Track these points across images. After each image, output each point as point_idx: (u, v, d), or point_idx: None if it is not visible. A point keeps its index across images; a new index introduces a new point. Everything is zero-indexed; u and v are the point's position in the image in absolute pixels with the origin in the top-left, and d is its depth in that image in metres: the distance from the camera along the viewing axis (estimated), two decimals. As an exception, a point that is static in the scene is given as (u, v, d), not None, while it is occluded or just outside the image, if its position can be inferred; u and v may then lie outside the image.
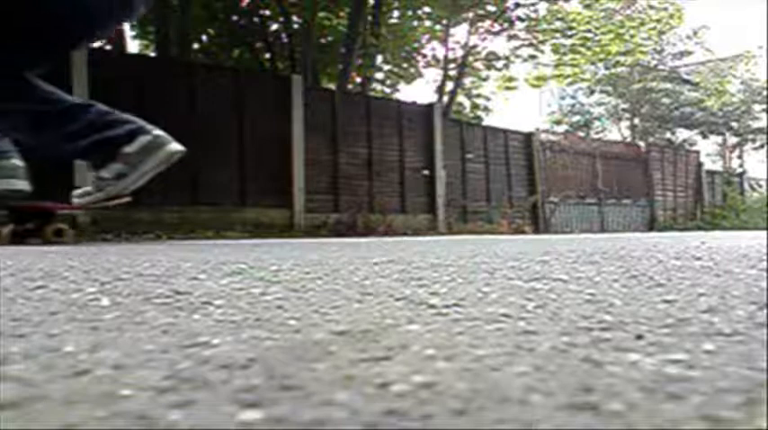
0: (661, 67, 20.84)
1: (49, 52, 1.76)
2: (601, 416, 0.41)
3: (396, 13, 12.57)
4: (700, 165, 16.39)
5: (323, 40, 11.85)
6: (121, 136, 1.72)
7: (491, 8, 12.24)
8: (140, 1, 1.74)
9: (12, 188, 1.45)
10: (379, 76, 13.27)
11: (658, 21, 16.66)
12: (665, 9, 17.02)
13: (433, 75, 13.64)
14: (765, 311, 0.83)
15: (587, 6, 14.05)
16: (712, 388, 0.48)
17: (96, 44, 9.83)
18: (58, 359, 0.60)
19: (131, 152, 1.71)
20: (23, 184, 1.47)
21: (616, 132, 21.44)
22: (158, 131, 1.74)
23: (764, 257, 1.72)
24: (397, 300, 0.98)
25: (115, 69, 7.02)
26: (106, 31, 1.82)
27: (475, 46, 13.05)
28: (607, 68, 18.49)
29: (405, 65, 13.35)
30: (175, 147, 1.72)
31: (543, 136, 12.78)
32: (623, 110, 21.28)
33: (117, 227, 6.50)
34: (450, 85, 12.78)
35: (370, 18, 11.28)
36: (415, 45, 13.07)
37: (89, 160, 1.76)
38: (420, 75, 13.63)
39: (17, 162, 1.50)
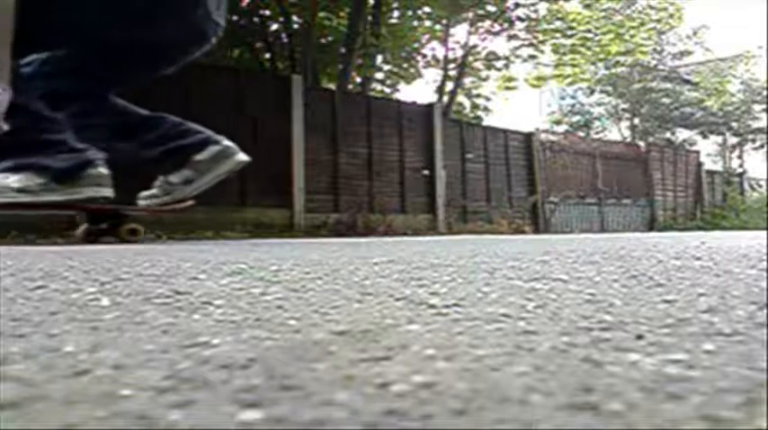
0: (661, 67, 20.83)
1: (135, 78, 1.94)
2: (601, 416, 0.41)
3: (396, 13, 12.57)
4: (700, 165, 16.39)
5: (323, 40, 11.84)
6: (193, 145, 1.86)
7: (491, 8, 12.24)
8: (213, 32, 1.86)
9: (99, 195, 1.56)
10: (379, 76, 13.27)
11: (658, 21, 16.66)
12: (665, 9, 17.02)
13: (433, 75, 13.65)
14: (765, 311, 0.83)
15: (587, 6, 14.04)
16: (712, 388, 0.48)
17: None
18: (58, 359, 0.60)
19: (202, 160, 1.85)
20: (109, 191, 1.58)
21: (616, 132, 21.44)
22: (227, 142, 1.88)
23: (764, 257, 1.72)
24: (397, 300, 0.98)
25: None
26: (181, 60, 1.94)
27: (475, 46, 13.05)
28: (607, 68, 18.48)
29: (405, 65, 13.35)
30: (242, 157, 1.86)
31: (543, 136, 12.78)
32: (623, 110, 21.27)
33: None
34: (450, 85, 12.78)
35: (370, 18, 11.28)
36: (415, 45, 13.07)
37: (162, 166, 1.88)
38: (420, 75, 13.63)
39: (103, 170, 1.60)
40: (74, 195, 1.53)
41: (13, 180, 1.52)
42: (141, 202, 1.84)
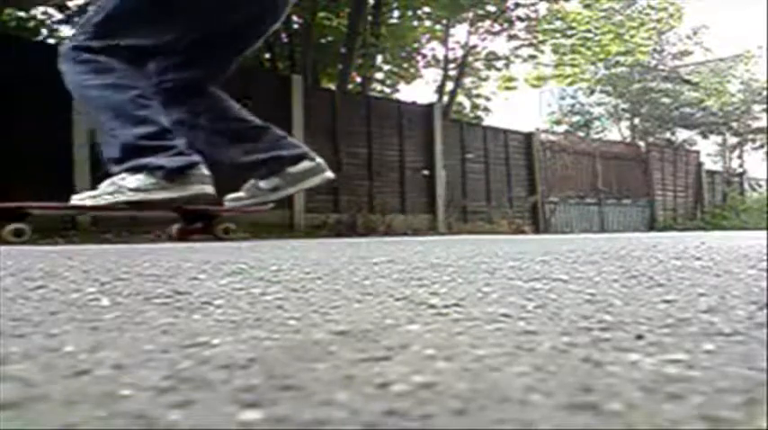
0: (661, 67, 20.83)
1: (229, 66, 2.06)
2: (601, 416, 0.41)
3: (396, 13, 12.56)
4: (700, 165, 16.39)
5: (323, 40, 11.84)
6: (290, 157, 2.00)
7: (491, 8, 12.24)
8: (283, 3, 1.99)
9: (205, 192, 1.66)
10: (379, 76, 13.27)
11: (658, 21, 16.66)
12: (665, 9, 17.02)
13: (433, 75, 13.63)
14: (765, 311, 0.83)
15: (587, 6, 14.04)
16: (712, 388, 0.48)
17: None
18: (58, 359, 0.60)
19: (294, 172, 1.99)
20: (211, 189, 1.67)
21: (616, 132, 21.43)
22: (319, 159, 2.02)
23: (764, 257, 1.72)
24: (397, 300, 0.98)
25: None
26: (261, 39, 2.06)
27: (475, 46, 13.05)
28: (607, 68, 18.47)
29: (405, 65, 13.35)
30: (329, 175, 2.01)
31: (543, 136, 12.78)
32: (623, 110, 21.27)
33: (120, 227, 6.50)
34: (450, 85, 12.78)
35: (370, 18, 11.28)
36: (415, 45, 13.07)
37: (256, 172, 2.01)
38: (420, 75, 13.64)
39: (205, 171, 1.70)
40: (183, 193, 1.67)
41: (130, 181, 1.67)
42: (228, 204, 1.95)
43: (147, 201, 1.63)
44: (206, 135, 1.96)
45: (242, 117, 2.03)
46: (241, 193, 2.07)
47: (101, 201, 1.68)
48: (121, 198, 1.66)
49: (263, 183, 1.96)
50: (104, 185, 1.72)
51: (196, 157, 1.77)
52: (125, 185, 1.66)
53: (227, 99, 2.04)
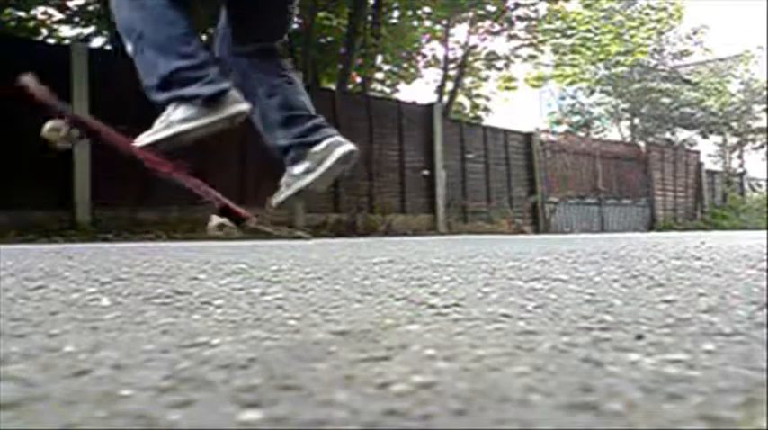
0: (661, 67, 20.83)
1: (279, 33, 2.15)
2: (601, 416, 0.41)
3: (396, 13, 12.56)
4: (700, 165, 16.39)
5: (323, 40, 11.84)
6: (316, 139, 2.05)
7: (491, 8, 12.23)
8: None
9: (241, 110, 1.81)
10: (379, 76, 13.26)
11: (658, 21, 16.65)
12: (665, 9, 17.02)
13: (433, 75, 13.60)
14: (765, 311, 0.83)
15: (587, 6, 14.04)
16: (712, 388, 0.48)
17: (96, 44, 9.84)
18: (58, 359, 0.60)
19: (318, 151, 2.04)
20: (246, 106, 1.90)
21: (616, 132, 21.43)
22: (340, 137, 2.07)
23: (764, 257, 1.72)
24: (397, 300, 0.98)
25: (115, 69, 7.01)
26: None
27: (475, 46, 13.04)
28: (607, 68, 18.47)
29: (405, 65, 13.34)
30: (350, 146, 2.05)
31: (543, 136, 12.78)
32: (623, 110, 21.27)
33: (123, 226, 6.51)
34: (450, 85, 12.77)
35: (370, 18, 11.28)
36: (415, 45, 13.06)
37: (285, 156, 2.10)
38: (420, 75, 13.63)
39: (236, 94, 1.85)
40: (222, 114, 1.83)
41: (176, 113, 1.84)
42: (274, 203, 2.04)
43: (196, 129, 1.81)
44: (259, 107, 2.10)
45: (297, 102, 2.10)
46: (282, 188, 2.15)
47: (159, 136, 1.85)
48: (173, 130, 1.83)
49: (295, 169, 2.03)
50: (156, 124, 1.87)
51: (226, 84, 1.86)
52: (173, 119, 1.83)
53: (293, 79, 2.14)
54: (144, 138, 1.88)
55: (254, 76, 2.08)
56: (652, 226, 13.89)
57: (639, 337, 0.68)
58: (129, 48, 1.93)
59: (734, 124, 21.87)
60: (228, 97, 1.84)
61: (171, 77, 1.85)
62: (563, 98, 22.25)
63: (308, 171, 2.05)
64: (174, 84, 1.84)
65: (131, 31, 1.96)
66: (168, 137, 1.82)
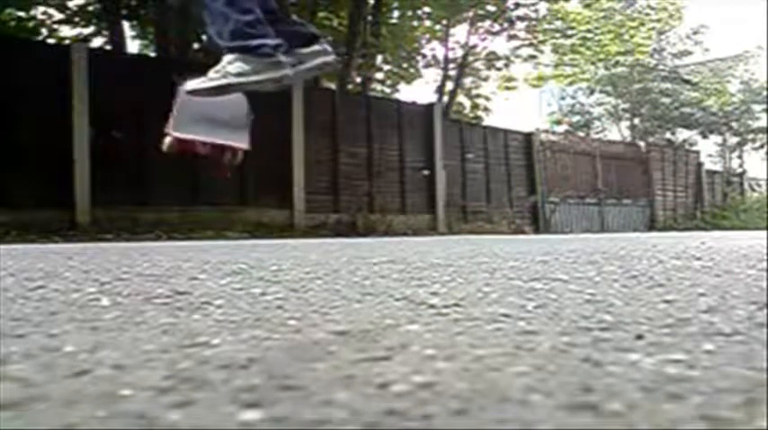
0: (661, 67, 20.83)
1: None
2: (601, 417, 0.41)
3: (396, 13, 12.56)
4: (700, 165, 16.39)
5: (323, 40, 11.82)
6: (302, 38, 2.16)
7: (491, 8, 12.23)
8: None
9: (286, 74, 1.97)
10: (379, 76, 13.26)
11: (658, 21, 16.66)
12: (665, 9, 17.02)
13: (433, 75, 13.59)
14: (765, 311, 0.83)
15: (587, 6, 14.04)
16: (712, 388, 0.48)
17: (96, 44, 9.84)
18: (58, 359, 0.60)
19: (303, 53, 2.14)
20: (291, 71, 2.06)
21: (616, 132, 21.43)
22: (327, 46, 2.19)
23: (764, 257, 1.72)
24: (397, 300, 0.98)
25: (115, 69, 7.02)
26: None
27: (475, 46, 13.04)
28: (607, 68, 18.48)
29: (405, 65, 13.34)
30: (332, 57, 2.15)
31: (543, 136, 12.78)
32: (623, 110, 21.27)
33: (123, 226, 6.51)
34: (450, 85, 12.77)
35: (370, 18, 11.28)
36: (415, 45, 13.06)
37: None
38: (420, 75, 13.62)
39: (284, 58, 2.02)
40: (271, 75, 2.03)
41: (232, 67, 2.01)
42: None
43: (247, 84, 1.99)
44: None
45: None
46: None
47: (213, 84, 2.02)
48: (227, 80, 2.00)
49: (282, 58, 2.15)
50: (211, 73, 2.03)
51: (280, 40, 2.04)
52: (230, 70, 2.00)
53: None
54: (198, 84, 2.07)
55: None
56: (652, 226, 13.89)
57: (639, 337, 0.68)
58: None
59: (734, 124, 21.87)
60: (280, 61, 2.01)
61: (238, 29, 2.02)
62: (563, 98, 22.26)
63: (293, 65, 2.29)
64: (242, 35, 2.01)
65: None
66: (221, 86, 2.01)
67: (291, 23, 2.33)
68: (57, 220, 6.34)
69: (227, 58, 2.04)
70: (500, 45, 13.97)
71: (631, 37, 15.02)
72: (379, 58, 12.53)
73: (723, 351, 0.61)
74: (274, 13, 2.35)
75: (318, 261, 1.77)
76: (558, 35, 13.61)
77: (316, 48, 2.25)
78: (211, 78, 2.03)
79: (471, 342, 0.66)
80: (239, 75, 2.00)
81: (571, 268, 1.50)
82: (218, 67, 2.04)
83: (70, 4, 9.94)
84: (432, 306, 0.91)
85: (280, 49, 2.02)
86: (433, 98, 12.04)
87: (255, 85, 2.00)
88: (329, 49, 2.27)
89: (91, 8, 9.97)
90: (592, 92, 20.70)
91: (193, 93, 2.00)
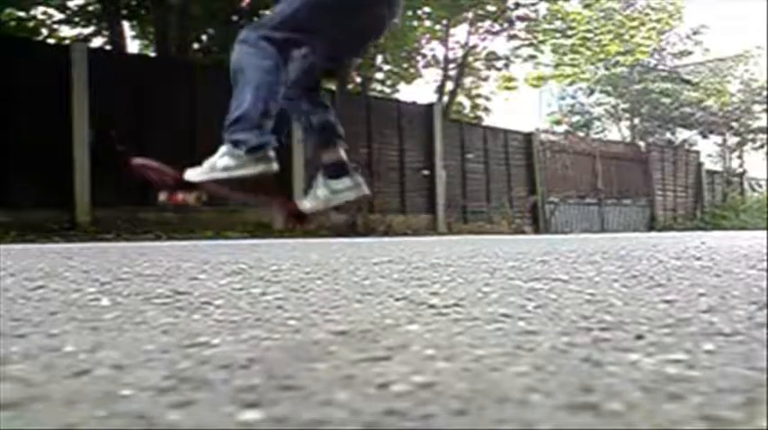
0: (661, 67, 20.83)
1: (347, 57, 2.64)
2: (601, 417, 0.41)
3: (396, 13, 12.53)
4: (700, 165, 16.39)
5: (323, 40, 11.81)
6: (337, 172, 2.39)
7: (491, 8, 12.23)
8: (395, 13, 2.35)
9: (271, 170, 2.10)
10: (379, 76, 13.25)
11: (658, 21, 16.65)
12: (665, 9, 17.02)
13: (433, 75, 13.58)
14: (765, 311, 0.83)
15: (587, 6, 14.03)
16: (712, 388, 0.48)
17: (96, 44, 9.85)
18: (58, 359, 0.60)
19: (336, 188, 2.35)
20: (275, 167, 2.15)
21: (616, 132, 21.43)
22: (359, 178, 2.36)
23: (764, 257, 1.72)
24: (397, 300, 0.98)
25: (115, 69, 7.02)
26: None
27: (475, 46, 13.04)
28: (607, 68, 18.47)
29: (405, 65, 13.34)
30: (364, 191, 2.31)
31: (543, 136, 12.78)
32: (623, 110, 21.27)
33: (123, 226, 6.51)
34: (450, 85, 12.77)
35: (370, 18, 11.25)
36: (415, 45, 13.06)
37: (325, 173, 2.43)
38: (420, 75, 13.62)
39: (271, 153, 2.16)
40: (255, 170, 2.12)
41: (221, 161, 2.10)
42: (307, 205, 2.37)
43: (232, 178, 2.08)
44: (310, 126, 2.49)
45: (334, 123, 2.53)
46: (316, 191, 2.43)
47: (202, 178, 2.15)
48: (213, 175, 2.12)
49: (332, 183, 2.36)
50: (205, 164, 2.18)
51: (269, 137, 2.17)
52: (218, 165, 2.11)
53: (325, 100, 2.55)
54: (192, 176, 2.21)
55: (303, 104, 2.45)
56: (652, 226, 13.89)
57: (639, 337, 0.68)
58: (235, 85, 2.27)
59: (734, 124, 21.87)
60: (266, 154, 2.16)
61: (246, 117, 2.17)
62: (563, 98, 22.26)
63: (342, 190, 2.42)
64: (243, 123, 2.16)
65: (243, 74, 2.28)
66: (210, 179, 2.15)
67: (327, 119, 2.49)
68: (57, 220, 6.35)
69: (221, 149, 2.16)
70: (500, 45, 13.95)
71: (631, 37, 15.01)
72: (379, 58, 12.53)
73: (723, 351, 0.61)
74: (316, 91, 2.49)
75: (318, 261, 1.77)
76: (558, 35, 13.61)
77: (348, 183, 2.38)
78: (202, 172, 2.18)
79: (471, 342, 0.66)
80: (225, 169, 2.13)
81: (571, 268, 1.50)
82: (212, 158, 2.18)
83: (70, 4, 9.94)
84: (432, 306, 0.91)
85: (268, 147, 2.13)
86: (433, 98, 12.04)
87: (240, 177, 2.11)
88: (361, 181, 2.47)
89: (91, 8, 9.97)
90: (592, 92, 20.70)
91: (190, 180, 2.11)
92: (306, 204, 2.55)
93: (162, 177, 2.15)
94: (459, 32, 12.93)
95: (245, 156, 2.09)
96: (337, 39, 2.40)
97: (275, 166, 2.13)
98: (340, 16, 2.34)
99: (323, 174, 2.41)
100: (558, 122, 21.43)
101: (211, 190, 2.13)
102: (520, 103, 18.74)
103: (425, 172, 10.04)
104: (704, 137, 21.94)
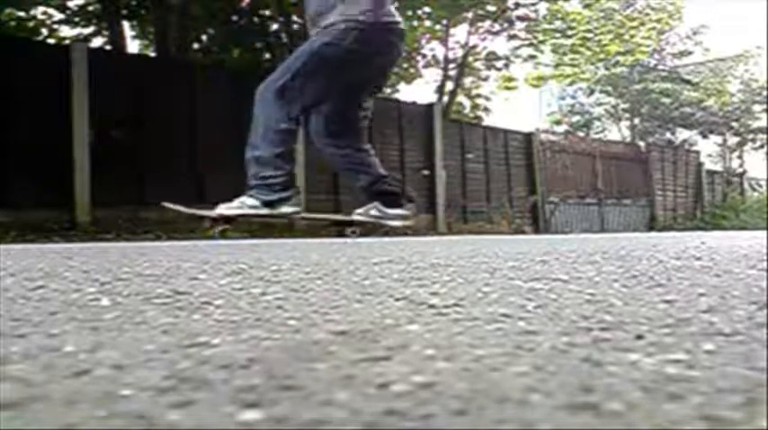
0: (661, 67, 20.84)
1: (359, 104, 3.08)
2: (601, 417, 0.41)
3: (396, 13, 12.53)
4: (700, 165, 16.39)
5: (323, 40, 11.80)
6: (392, 200, 3.10)
7: (491, 8, 12.23)
8: (398, 36, 3.00)
9: (288, 212, 2.84)
10: (379, 76, 13.23)
11: (658, 21, 16.66)
12: (665, 9, 17.03)
13: (433, 75, 13.59)
14: (765, 311, 0.83)
15: (587, 6, 14.04)
16: (712, 388, 0.48)
17: (96, 44, 9.85)
18: (58, 359, 0.60)
19: (392, 214, 3.07)
20: (292, 210, 2.86)
21: (616, 132, 21.43)
22: (410, 206, 3.00)
23: (764, 257, 1.72)
24: (397, 300, 0.98)
25: (115, 69, 7.02)
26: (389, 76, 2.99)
27: (475, 46, 13.04)
28: (607, 68, 18.48)
29: (405, 65, 13.34)
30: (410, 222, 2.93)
31: (543, 136, 12.78)
32: (623, 110, 21.28)
33: (123, 226, 6.51)
34: (450, 85, 12.77)
35: (370, 18, 11.25)
36: (415, 45, 13.06)
37: (376, 199, 3.10)
38: (420, 75, 13.62)
39: (288, 209, 2.90)
40: (275, 211, 2.75)
41: (250, 201, 2.71)
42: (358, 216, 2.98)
43: (257, 216, 2.68)
44: (349, 161, 3.06)
45: (372, 159, 3.00)
46: (370, 211, 2.96)
47: (231, 212, 2.73)
48: (241, 211, 2.68)
49: (374, 211, 2.85)
50: (235, 201, 2.73)
51: (286, 193, 2.68)
52: (247, 203, 2.65)
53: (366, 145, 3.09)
54: (223, 210, 2.73)
55: (343, 136, 3.06)
56: (652, 226, 13.89)
57: (639, 337, 0.68)
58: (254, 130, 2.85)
59: (734, 124, 21.87)
60: (284, 202, 2.66)
61: (262, 159, 2.65)
62: (563, 98, 22.27)
63: (394, 217, 2.92)
64: (261, 164, 2.67)
65: (261, 124, 2.84)
66: (237, 215, 2.71)
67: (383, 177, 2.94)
68: (57, 220, 6.35)
69: (251, 190, 2.65)
70: (500, 45, 13.96)
71: (631, 37, 15.01)
72: (379, 58, 12.50)
73: (723, 351, 0.61)
74: (364, 151, 3.06)
75: (318, 261, 1.77)
76: (558, 35, 13.61)
77: (399, 212, 2.74)
78: (232, 206, 2.67)
79: (471, 342, 0.66)
80: (252, 207, 2.63)
81: (571, 268, 1.50)
82: (243, 197, 2.66)
83: (70, 4, 9.94)
84: (432, 306, 0.91)
85: (289, 190, 2.61)
86: (433, 98, 12.04)
87: (266, 218, 2.71)
88: (409, 214, 2.82)
89: (91, 8, 9.97)
90: (592, 92, 20.70)
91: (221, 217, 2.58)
92: (356, 216, 2.97)
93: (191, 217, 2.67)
94: (459, 32, 12.93)
95: (264, 208, 2.64)
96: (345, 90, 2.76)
97: (296, 209, 2.64)
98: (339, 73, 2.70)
99: (380, 200, 2.84)
100: (558, 122, 21.43)
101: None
102: (520, 103, 18.74)
103: (425, 172, 10.05)
104: (704, 137, 21.94)
